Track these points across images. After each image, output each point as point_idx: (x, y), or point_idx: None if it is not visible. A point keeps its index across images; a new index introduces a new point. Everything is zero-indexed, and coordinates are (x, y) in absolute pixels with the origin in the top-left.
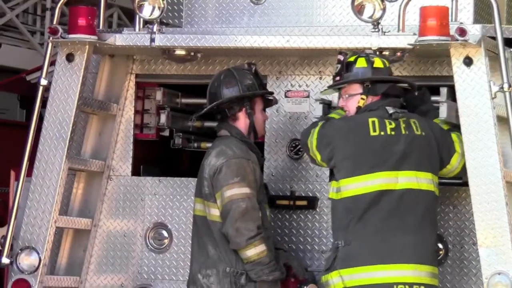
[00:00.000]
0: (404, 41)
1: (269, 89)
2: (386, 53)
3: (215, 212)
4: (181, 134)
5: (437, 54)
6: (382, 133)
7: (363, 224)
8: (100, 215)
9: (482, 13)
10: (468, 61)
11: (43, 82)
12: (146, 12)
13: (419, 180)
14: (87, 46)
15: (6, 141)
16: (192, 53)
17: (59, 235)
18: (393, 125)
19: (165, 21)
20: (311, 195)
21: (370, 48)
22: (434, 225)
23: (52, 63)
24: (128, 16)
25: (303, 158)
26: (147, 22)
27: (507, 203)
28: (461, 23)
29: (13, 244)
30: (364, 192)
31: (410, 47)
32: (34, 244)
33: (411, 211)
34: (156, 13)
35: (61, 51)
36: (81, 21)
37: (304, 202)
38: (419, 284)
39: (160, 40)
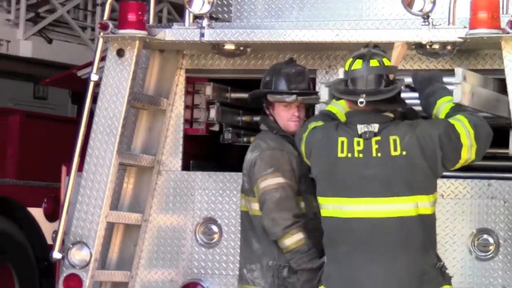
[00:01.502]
0: (454, 34)
1: (318, 84)
2: (436, 46)
3: (255, 207)
4: (230, 129)
5: (488, 47)
6: (350, 155)
7: (334, 249)
8: (150, 210)
9: None
10: None
11: (94, 77)
12: (196, 7)
13: (393, 206)
14: (137, 42)
15: (57, 136)
16: (242, 48)
17: (110, 230)
18: (361, 146)
19: (214, 15)
20: None
21: (420, 42)
22: (419, 252)
23: (103, 59)
24: (178, 11)
25: None
26: (196, 17)
27: None
28: None
29: (64, 239)
30: (331, 215)
31: (461, 40)
32: (85, 239)
33: (381, 241)
34: (206, 7)
35: (111, 46)
36: (131, 17)
37: None
38: None
39: (210, 35)
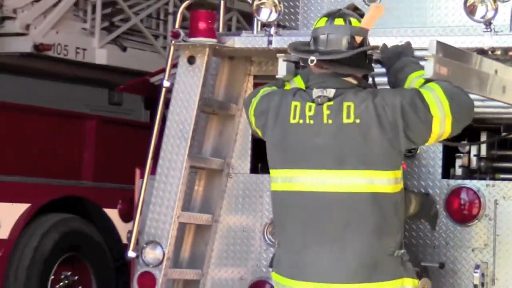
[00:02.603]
0: None
1: None
2: (498, 52)
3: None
4: None
5: None
6: (301, 121)
7: (283, 230)
8: (220, 211)
9: None
10: None
11: (166, 84)
12: (264, 15)
13: (344, 181)
14: (207, 49)
15: (131, 140)
16: None
17: (182, 230)
18: (312, 112)
19: (282, 23)
20: (423, 191)
21: (482, 48)
22: (372, 237)
23: (174, 66)
24: (247, 20)
25: (416, 156)
26: (264, 25)
27: None
28: None
29: (138, 238)
30: (280, 189)
31: None
32: (159, 239)
33: (331, 221)
34: (274, 16)
35: (182, 54)
36: (202, 25)
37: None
38: None
39: (277, 42)
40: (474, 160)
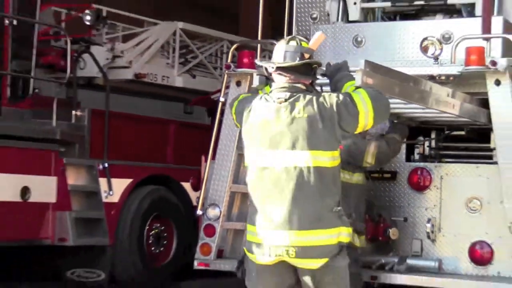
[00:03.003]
0: (455, 69)
1: None
2: (442, 78)
3: None
4: None
5: (476, 78)
6: (265, 116)
7: (253, 191)
8: None
9: (508, 50)
10: (497, 83)
11: (221, 99)
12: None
13: (296, 158)
14: (249, 76)
15: (198, 137)
16: None
17: (232, 196)
18: (274, 109)
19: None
20: (393, 170)
21: (432, 75)
22: (316, 198)
23: (227, 87)
24: None
25: None
26: None
27: None
28: (493, 57)
29: (203, 202)
30: (250, 164)
31: (459, 73)
32: (217, 202)
33: (287, 186)
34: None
35: (232, 79)
36: (245, 60)
37: (388, 175)
38: (295, 247)
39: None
40: (427, 149)
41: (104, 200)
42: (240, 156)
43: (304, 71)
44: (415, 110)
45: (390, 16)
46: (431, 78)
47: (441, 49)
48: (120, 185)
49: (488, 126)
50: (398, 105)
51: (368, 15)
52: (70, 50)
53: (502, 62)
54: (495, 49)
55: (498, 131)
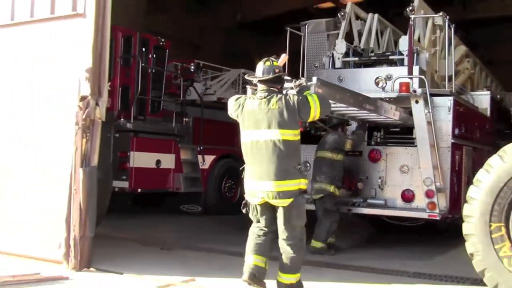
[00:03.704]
0: (393, 94)
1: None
2: (387, 99)
3: None
4: None
5: (405, 100)
6: (252, 108)
7: (246, 157)
8: None
9: (422, 85)
10: (416, 102)
11: None
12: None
13: (270, 135)
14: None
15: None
16: None
17: None
18: (257, 104)
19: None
20: (360, 150)
21: (381, 97)
22: (284, 159)
23: None
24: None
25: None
26: None
27: None
28: (414, 88)
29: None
30: (244, 140)
31: (396, 97)
32: None
33: (265, 154)
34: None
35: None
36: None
37: (357, 153)
38: (273, 192)
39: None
40: (378, 138)
41: (201, 167)
42: None
43: (276, 81)
44: (367, 114)
45: (358, 65)
46: (381, 99)
47: (386, 83)
48: (209, 159)
49: (412, 126)
50: (350, 109)
51: (346, 65)
52: (182, 85)
53: (419, 90)
54: (415, 83)
55: (416, 129)
